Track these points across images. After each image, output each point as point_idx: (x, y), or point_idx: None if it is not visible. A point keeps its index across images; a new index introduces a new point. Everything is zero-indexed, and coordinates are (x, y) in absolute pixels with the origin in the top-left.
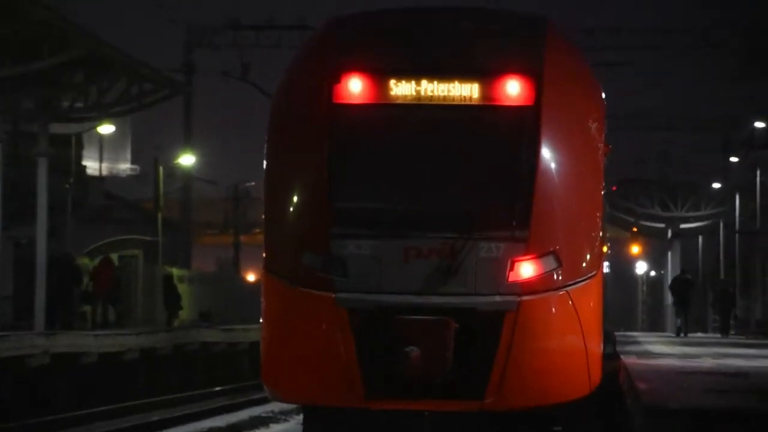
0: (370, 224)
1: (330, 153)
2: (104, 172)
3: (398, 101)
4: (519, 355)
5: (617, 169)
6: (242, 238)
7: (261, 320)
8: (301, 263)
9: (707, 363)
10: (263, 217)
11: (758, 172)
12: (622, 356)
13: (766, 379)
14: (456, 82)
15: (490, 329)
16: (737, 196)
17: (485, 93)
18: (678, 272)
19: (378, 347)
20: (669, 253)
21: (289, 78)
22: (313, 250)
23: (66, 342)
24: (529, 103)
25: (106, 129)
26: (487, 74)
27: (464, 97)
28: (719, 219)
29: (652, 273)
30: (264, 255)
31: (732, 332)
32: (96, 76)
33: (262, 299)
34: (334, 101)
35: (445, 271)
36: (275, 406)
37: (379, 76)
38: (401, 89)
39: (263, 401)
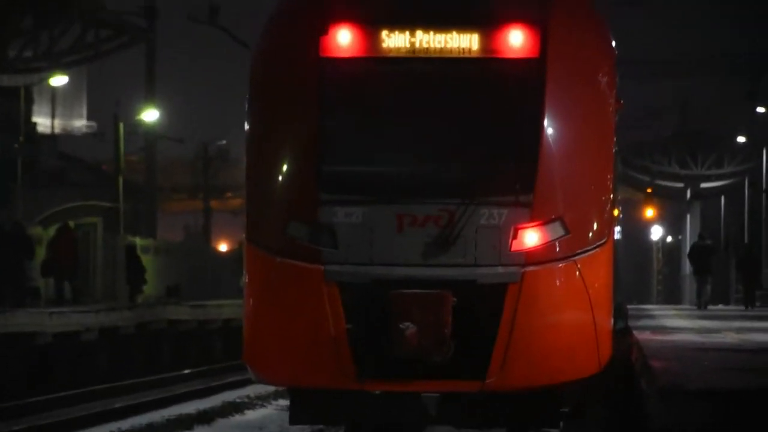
0: (361, 190)
1: (317, 112)
2: (57, 130)
3: (391, 54)
4: (523, 330)
5: (631, 123)
6: (213, 203)
7: (243, 295)
8: (287, 233)
9: (729, 338)
10: (246, 183)
11: None
12: (635, 331)
13: None
14: (454, 33)
15: (491, 303)
16: (764, 151)
17: (486, 44)
18: (696, 238)
19: (371, 324)
20: (688, 216)
21: (272, 30)
22: (300, 219)
23: (17, 321)
24: (534, 55)
25: (59, 81)
26: (488, 24)
27: (463, 49)
28: (744, 177)
29: (669, 239)
30: (246, 224)
31: (758, 304)
32: (47, 21)
33: (244, 272)
34: (322, 55)
35: (443, 240)
36: (251, 390)
37: (371, 26)
38: (394, 41)
39: (238, 385)
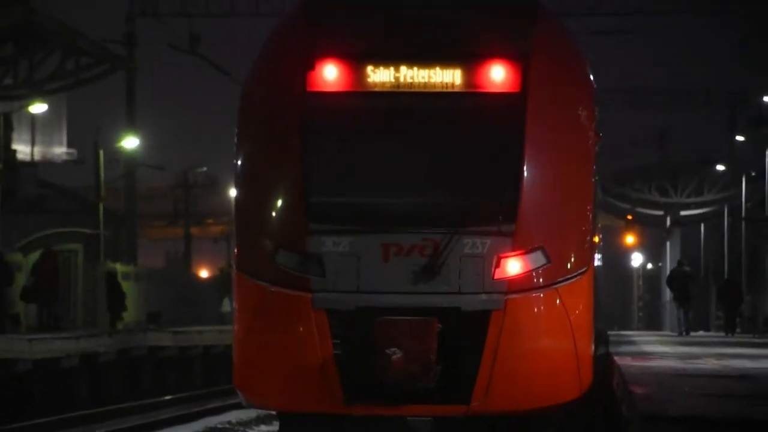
0: (347, 220)
1: (305, 145)
2: (37, 157)
3: (376, 89)
4: (506, 356)
5: (612, 151)
6: (193, 230)
7: (233, 322)
8: (276, 262)
9: (710, 365)
10: (235, 213)
11: (767, 153)
12: (616, 357)
13: None
14: (437, 68)
15: (475, 330)
16: (744, 180)
17: (468, 79)
18: (675, 264)
19: (358, 350)
20: (668, 243)
21: (260, 64)
22: (289, 248)
23: None
24: (515, 90)
25: (39, 108)
26: (471, 59)
27: (446, 83)
28: (724, 204)
29: (649, 266)
30: (236, 254)
31: (738, 330)
32: (26, 49)
33: (234, 300)
34: (308, 89)
35: (428, 268)
36: (232, 416)
37: (356, 61)
38: (379, 76)
39: (219, 411)
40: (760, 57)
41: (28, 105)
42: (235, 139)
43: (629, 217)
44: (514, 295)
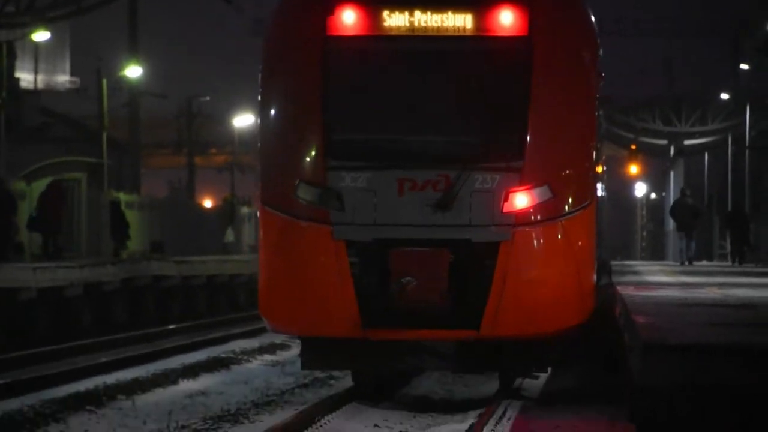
0: (364, 156)
1: (324, 85)
2: (40, 86)
3: (392, 33)
4: (513, 285)
5: (616, 80)
6: (197, 159)
7: (258, 253)
8: (298, 196)
9: (711, 294)
10: (259, 151)
11: None
12: (618, 287)
13: None
14: (449, 13)
15: (485, 260)
16: (748, 108)
17: (478, 23)
18: (678, 194)
19: (374, 279)
20: (671, 173)
21: (281, 10)
22: (310, 183)
23: (1, 276)
24: (522, 33)
25: (42, 36)
26: (480, 4)
27: (457, 27)
28: (728, 134)
29: (653, 195)
30: (260, 188)
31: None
32: None
33: (260, 233)
34: (328, 33)
35: (440, 202)
36: (235, 346)
37: (373, 7)
38: (394, 20)
39: (222, 340)
40: None
41: (31, 33)
42: (259, 80)
43: (633, 146)
44: (521, 228)
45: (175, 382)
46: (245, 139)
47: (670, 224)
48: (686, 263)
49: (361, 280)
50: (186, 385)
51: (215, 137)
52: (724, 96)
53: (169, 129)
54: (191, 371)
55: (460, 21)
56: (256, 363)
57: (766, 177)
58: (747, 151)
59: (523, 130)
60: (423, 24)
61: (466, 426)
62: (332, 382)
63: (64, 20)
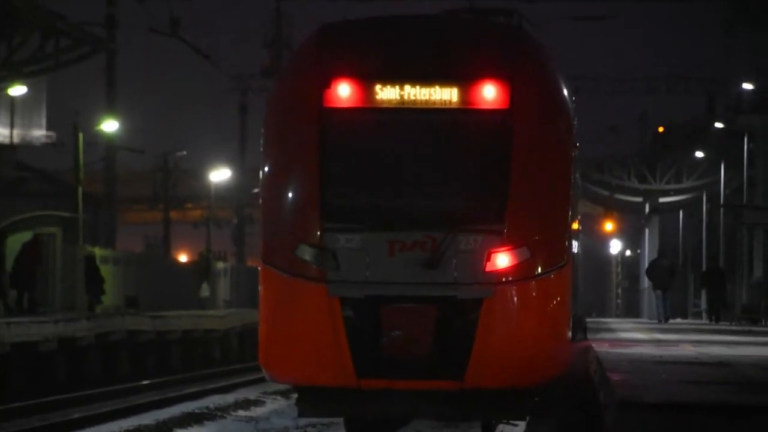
0: (358, 219)
1: (321, 154)
2: (16, 140)
3: (384, 105)
4: (495, 338)
5: (592, 136)
6: (173, 214)
7: (259, 307)
8: (296, 255)
9: (687, 351)
10: (261, 212)
11: (746, 140)
12: (593, 344)
13: (750, 369)
14: (436, 87)
15: (468, 315)
16: (722, 167)
17: (463, 97)
18: (655, 253)
19: (367, 332)
20: (646, 230)
21: (283, 82)
22: (307, 243)
23: None
24: (504, 106)
25: (18, 91)
26: (465, 79)
27: (444, 101)
28: (702, 192)
29: (628, 252)
30: (261, 248)
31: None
32: (6, 30)
33: (259, 288)
34: (325, 105)
35: (428, 262)
36: (209, 402)
37: (366, 81)
38: (386, 94)
39: (197, 396)
40: (739, 43)
41: (8, 87)
42: (261, 148)
43: (608, 204)
44: (502, 285)
45: None
46: (221, 194)
47: (645, 282)
48: (662, 321)
49: (355, 333)
50: None
51: (191, 192)
52: (699, 154)
53: (145, 184)
54: (165, 427)
55: (447, 95)
56: (231, 419)
57: (739, 236)
58: (722, 209)
59: (504, 196)
60: (412, 97)
61: None
62: None
63: (41, 75)
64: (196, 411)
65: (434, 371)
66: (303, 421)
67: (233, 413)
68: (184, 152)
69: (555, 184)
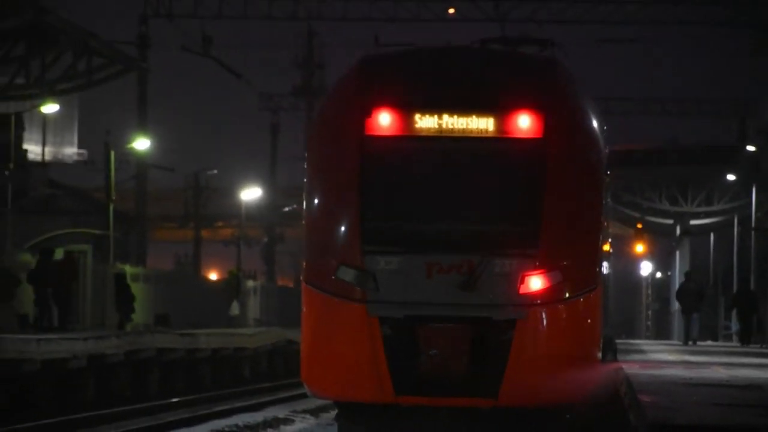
0: (397, 242)
1: (362, 179)
2: (48, 158)
3: (422, 133)
4: (528, 358)
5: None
6: (203, 232)
7: (301, 327)
8: (337, 277)
9: (717, 374)
10: (304, 235)
11: None
12: (624, 365)
13: None
14: (473, 117)
15: (503, 335)
16: (754, 189)
17: (498, 126)
18: (683, 278)
19: (405, 350)
20: (677, 253)
21: (326, 111)
22: (348, 265)
23: (4, 347)
24: (538, 135)
25: (51, 108)
26: (501, 109)
27: (480, 129)
28: (734, 215)
29: (658, 274)
30: (304, 269)
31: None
32: (39, 48)
33: (302, 309)
34: (366, 133)
35: (464, 284)
36: (239, 420)
37: (406, 110)
38: (425, 122)
39: (226, 414)
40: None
41: (40, 105)
42: (305, 173)
43: (639, 225)
44: (535, 308)
45: None
46: (252, 213)
47: (676, 304)
48: (690, 343)
49: (393, 351)
50: None
51: (222, 210)
52: (731, 177)
53: (176, 202)
54: None
55: (483, 124)
56: None
57: None
58: (753, 233)
59: (538, 221)
60: (450, 126)
61: None
62: None
63: (74, 93)
64: (225, 429)
65: (469, 389)
66: None
67: (262, 431)
68: (215, 171)
69: (586, 211)
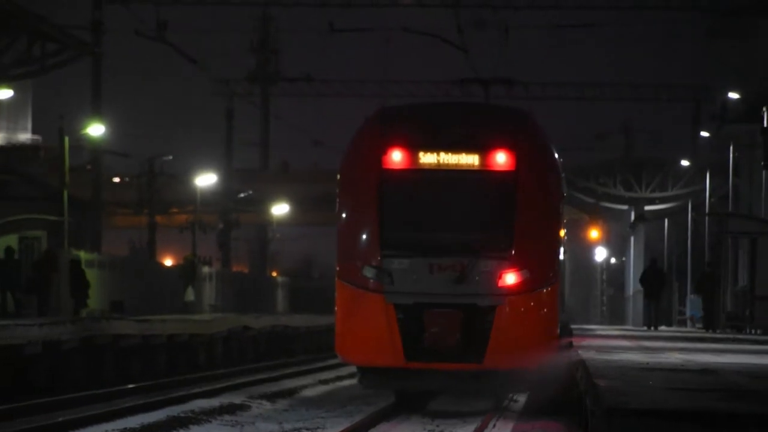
0: (407, 248)
1: (380, 201)
2: (1, 143)
3: (426, 167)
4: (505, 333)
5: (577, 144)
6: (158, 218)
7: (335, 311)
8: (363, 274)
9: (672, 359)
10: (336, 242)
11: (731, 149)
12: (580, 351)
13: (735, 376)
14: (463, 154)
15: (486, 317)
16: (708, 175)
17: (483, 161)
18: (645, 261)
19: (413, 328)
20: (632, 238)
21: (351, 150)
22: (370, 265)
23: None
24: (512, 168)
25: (4, 94)
26: (483, 149)
27: (469, 164)
28: (687, 200)
29: (613, 260)
30: (337, 268)
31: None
32: None
33: (336, 298)
34: (383, 167)
35: (457, 279)
36: (195, 405)
37: (413, 149)
38: (427, 159)
39: (182, 400)
40: (724, 52)
41: None
42: (337, 197)
43: (594, 211)
44: (510, 297)
45: None
46: (207, 199)
47: (630, 289)
48: (653, 328)
49: (404, 329)
50: None
51: (177, 196)
52: (685, 163)
53: (131, 188)
54: (150, 431)
55: (471, 160)
56: (216, 423)
57: (724, 244)
58: (706, 218)
59: (512, 232)
60: (446, 161)
61: (474, 427)
62: None
63: (27, 78)
64: (182, 415)
65: (461, 357)
66: (288, 425)
67: (219, 417)
68: (170, 156)
69: (548, 224)
